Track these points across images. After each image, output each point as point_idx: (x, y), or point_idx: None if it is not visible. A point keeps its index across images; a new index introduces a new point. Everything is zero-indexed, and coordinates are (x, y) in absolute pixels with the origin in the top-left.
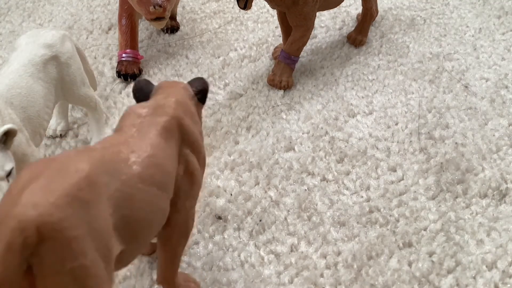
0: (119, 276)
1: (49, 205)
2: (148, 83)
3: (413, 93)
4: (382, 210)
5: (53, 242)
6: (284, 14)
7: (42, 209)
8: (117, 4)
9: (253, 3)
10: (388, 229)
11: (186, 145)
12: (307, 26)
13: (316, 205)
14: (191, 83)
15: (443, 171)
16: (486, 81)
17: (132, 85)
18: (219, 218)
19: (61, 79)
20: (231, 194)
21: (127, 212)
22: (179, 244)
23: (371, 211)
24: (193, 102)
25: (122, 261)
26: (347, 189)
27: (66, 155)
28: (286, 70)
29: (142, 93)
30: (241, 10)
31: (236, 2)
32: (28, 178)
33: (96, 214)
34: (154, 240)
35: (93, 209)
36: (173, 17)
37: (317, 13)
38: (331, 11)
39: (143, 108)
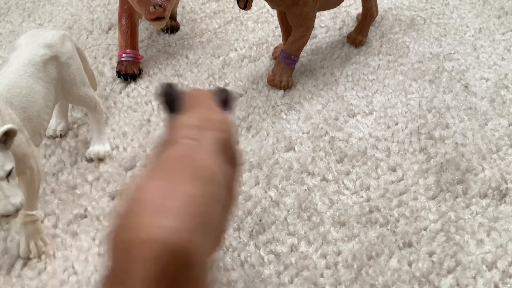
0: None
1: (184, 231)
2: (174, 87)
3: (413, 93)
4: (382, 210)
5: (187, 267)
6: (284, 14)
7: (177, 234)
8: (117, 4)
9: (253, 3)
10: (388, 229)
11: (230, 161)
12: (307, 26)
13: (316, 205)
14: (215, 93)
15: (443, 171)
16: (486, 81)
17: (132, 85)
18: None
19: (61, 79)
20: None
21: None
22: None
23: (371, 211)
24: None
25: None
26: (347, 189)
27: (173, 165)
28: (286, 70)
29: (171, 98)
30: (241, 10)
31: (236, 2)
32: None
33: (206, 237)
34: None
35: (207, 232)
36: (173, 17)
37: (317, 13)
38: (331, 11)
39: (190, 119)
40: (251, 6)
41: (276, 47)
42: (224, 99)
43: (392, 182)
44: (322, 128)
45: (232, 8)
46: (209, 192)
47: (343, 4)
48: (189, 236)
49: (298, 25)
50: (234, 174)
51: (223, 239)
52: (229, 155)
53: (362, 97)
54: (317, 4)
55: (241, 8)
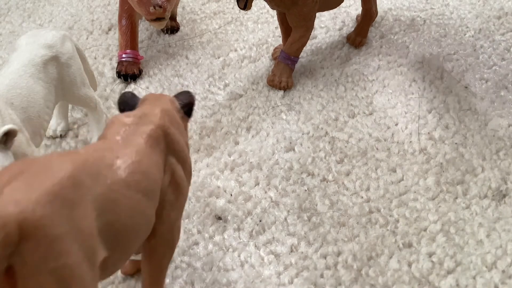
0: (118, 277)
1: (31, 202)
2: (134, 96)
3: (413, 94)
4: (382, 210)
5: (35, 240)
6: (284, 14)
7: (23, 206)
8: (117, 5)
9: (253, 4)
10: (388, 230)
11: (172, 154)
12: (307, 26)
13: (316, 205)
14: (177, 96)
15: (443, 171)
16: (486, 82)
17: (132, 85)
18: (219, 218)
19: (61, 80)
20: (231, 195)
21: (112, 217)
22: (164, 257)
23: (371, 212)
24: (179, 115)
25: (106, 269)
26: (347, 189)
27: (49, 156)
28: (286, 70)
29: (128, 106)
30: (241, 11)
31: (236, 3)
32: (10, 176)
33: (80, 215)
34: (139, 258)
35: (76, 209)
36: (173, 18)
37: (317, 14)
38: (331, 11)
39: (128, 117)
40: (251, 6)
41: (276, 48)
42: (186, 101)
43: (392, 182)
44: (322, 128)
45: (232, 8)
46: (114, 179)
47: (343, 4)
48: (32, 207)
49: (297, 25)
50: (180, 163)
51: (170, 232)
52: (171, 147)
53: (362, 98)
54: (316, 5)
55: (241, 8)
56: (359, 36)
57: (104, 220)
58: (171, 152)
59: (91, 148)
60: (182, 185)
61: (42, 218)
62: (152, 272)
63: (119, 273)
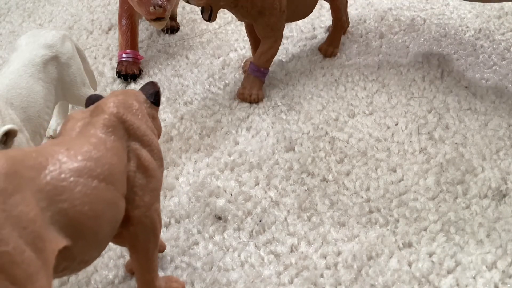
0: (119, 277)
1: None
2: (100, 96)
3: (413, 94)
4: (382, 210)
5: None
6: (252, 25)
7: None
8: (117, 5)
9: None
10: (388, 229)
11: (134, 140)
12: (275, 37)
13: (316, 205)
14: (142, 88)
15: (443, 171)
16: (486, 82)
17: (132, 85)
18: (219, 218)
19: (61, 80)
20: (231, 195)
21: (65, 205)
22: (148, 242)
23: (371, 212)
24: (146, 105)
25: (73, 258)
26: (347, 189)
27: None
28: (256, 83)
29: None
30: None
31: (201, 15)
32: None
33: (16, 203)
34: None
35: (12, 198)
36: (173, 18)
37: (317, 14)
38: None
39: (83, 113)
40: (216, 18)
41: (246, 60)
42: (151, 91)
43: (392, 182)
44: (322, 128)
45: None
46: (63, 169)
47: None
48: None
49: (266, 36)
50: (145, 147)
51: (148, 216)
52: (131, 132)
53: (362, 98)
54: (284, 15)
55: (205, 20)
56: (330, 46)
57: (56, 209)
58: (133, 137)
59: (41, 145)
60: (151, 168)
61: None
62: (140, 261)
63: (119, 272)
